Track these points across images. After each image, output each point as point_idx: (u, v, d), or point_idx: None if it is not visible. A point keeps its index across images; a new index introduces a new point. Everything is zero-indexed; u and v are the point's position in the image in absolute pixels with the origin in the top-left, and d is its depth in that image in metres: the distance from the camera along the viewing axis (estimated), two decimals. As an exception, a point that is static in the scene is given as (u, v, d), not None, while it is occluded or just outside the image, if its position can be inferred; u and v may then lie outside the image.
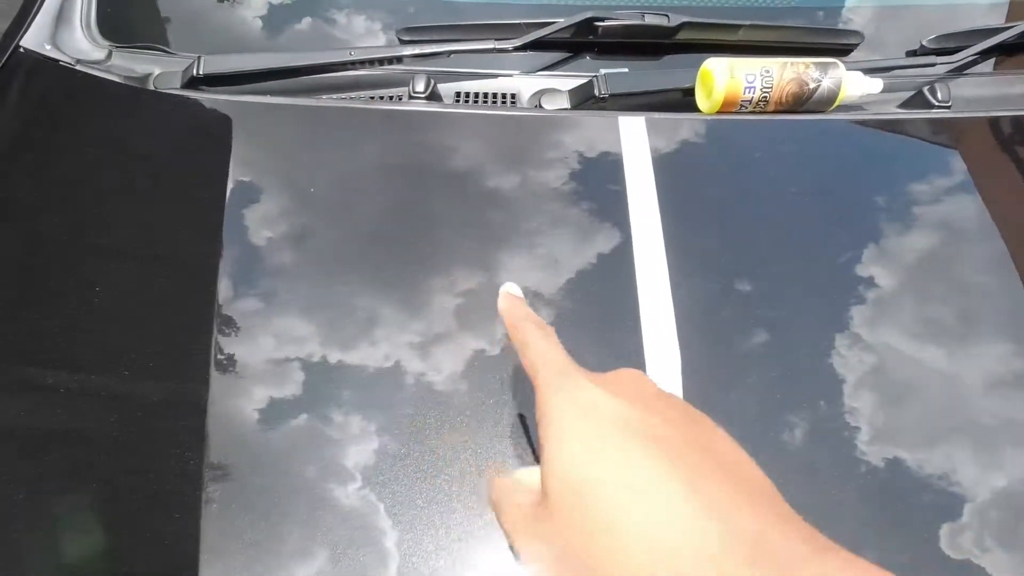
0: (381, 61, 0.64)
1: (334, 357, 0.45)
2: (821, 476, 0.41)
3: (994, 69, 0.68)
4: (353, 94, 0.63)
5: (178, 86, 0.62)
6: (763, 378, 0.44)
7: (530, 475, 0.29)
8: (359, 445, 0.41)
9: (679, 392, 0.43)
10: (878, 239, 0.52)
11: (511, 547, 0.29)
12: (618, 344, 0.45)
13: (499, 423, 0.42)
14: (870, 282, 0.50)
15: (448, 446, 0.41)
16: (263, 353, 0.45)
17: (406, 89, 0.61)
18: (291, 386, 0.44)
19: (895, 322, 0.48)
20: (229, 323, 0.47)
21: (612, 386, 0.28)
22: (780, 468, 0.40)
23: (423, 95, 0.60)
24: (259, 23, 0.69)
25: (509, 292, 0.36)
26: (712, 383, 0.44)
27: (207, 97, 0.60)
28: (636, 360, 0.44)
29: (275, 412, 0.43)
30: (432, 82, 0.61)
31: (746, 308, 0.47)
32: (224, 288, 0.48)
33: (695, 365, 0.44)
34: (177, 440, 0.41)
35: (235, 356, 0.45)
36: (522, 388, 0.43)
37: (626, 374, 0.30)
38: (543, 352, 0.30)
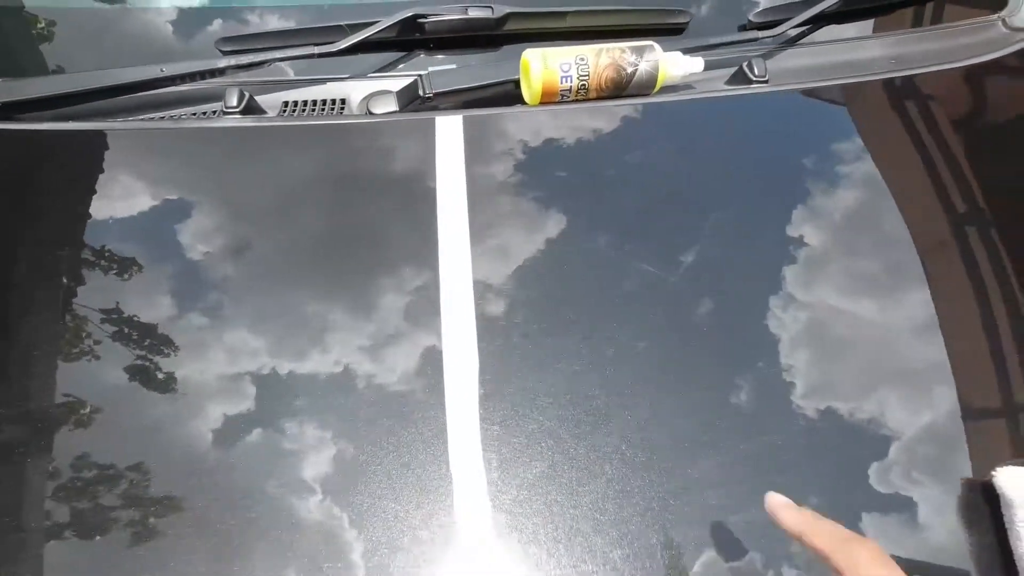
0: (195, 76, 0.61)
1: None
2: (765, 430, 0.44)
3: (819, 38, 0.69)
4: (166, 113, 0.60)
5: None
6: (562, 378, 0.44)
7: None
8: (317, 455, 0.41)
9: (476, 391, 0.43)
10: (701, 218, 0.53)
11: None
12: (418, 344, 0.45)
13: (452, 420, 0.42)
14: (696, 267, 0.50)
15: (408, 448, 0.41)
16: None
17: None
18: (241, 401, 0.43)
19: (730, 307, 0.49)
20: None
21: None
22: (725, 426, 0.43)
23: (236, 109, 0.57)
24: (66, 41, 0.65)
25: (778, 501, 0.35)
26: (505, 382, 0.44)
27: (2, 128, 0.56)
28: (435, 360, 0.44)
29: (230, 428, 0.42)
30: (246, 95, 0.58)
31: (549, 309, 0.47)
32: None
33: (493, 370, 0.44)
34: (123, 469, 0.41)
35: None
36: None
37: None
38: (828, 526, 0.32)
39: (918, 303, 0.50)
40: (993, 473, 0.40)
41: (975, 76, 0.66)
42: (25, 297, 0.48)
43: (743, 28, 0.69)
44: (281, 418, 0.43)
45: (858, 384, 0.46)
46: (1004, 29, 0.71)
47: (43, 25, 0.65)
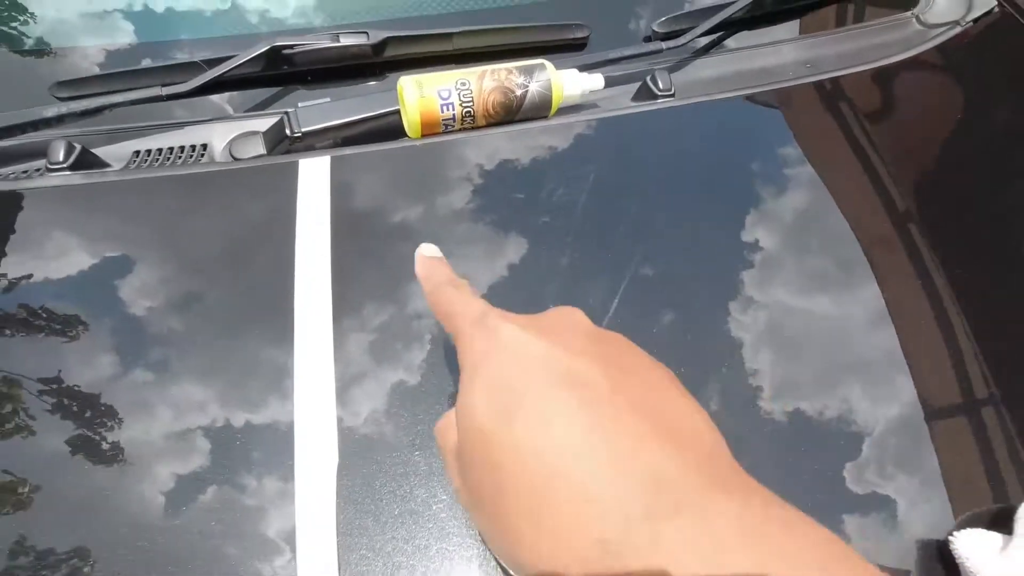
0: (24, 128, 0.53)
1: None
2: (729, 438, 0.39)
3: (729, 46, 0.65)
4: (-11, 173, 0.52)
5: None
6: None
7: None
8: (279, 509, 0.35)
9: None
10: (618, 252, 0.47)
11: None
12: (270, 423, 0.37)
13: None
14: (626, 302, 0.44)
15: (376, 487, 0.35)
16: None
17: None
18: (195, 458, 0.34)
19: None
20: None
21: (541, 325, 0.25)
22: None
23: (63, 165, 0.49)
24: None
25: (427, 255, 0.32)
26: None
27: None
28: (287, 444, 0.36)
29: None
30: (76, 148, 0.50)
31: (418, 367, 0.40)
32: None
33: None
34: (64, 552, 0.34)
35: None
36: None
37: (559, 313, 0.27)
38: (466, 305, 0.28)
39: (855, 301, 0.45)
40: (951, 537, 0.34)
41: (893, 75, 0.62)
42: None
43: (647, 39, 0.64)
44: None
45: (817, 380, 0.42)
46: (918, 26, 0.68)
47: None
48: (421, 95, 0.50)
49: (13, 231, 0.47)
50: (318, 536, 0.34)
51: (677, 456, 0.21)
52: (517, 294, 0.44)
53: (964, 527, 0.34)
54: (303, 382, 0.38)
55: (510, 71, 0.52)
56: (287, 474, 0.36)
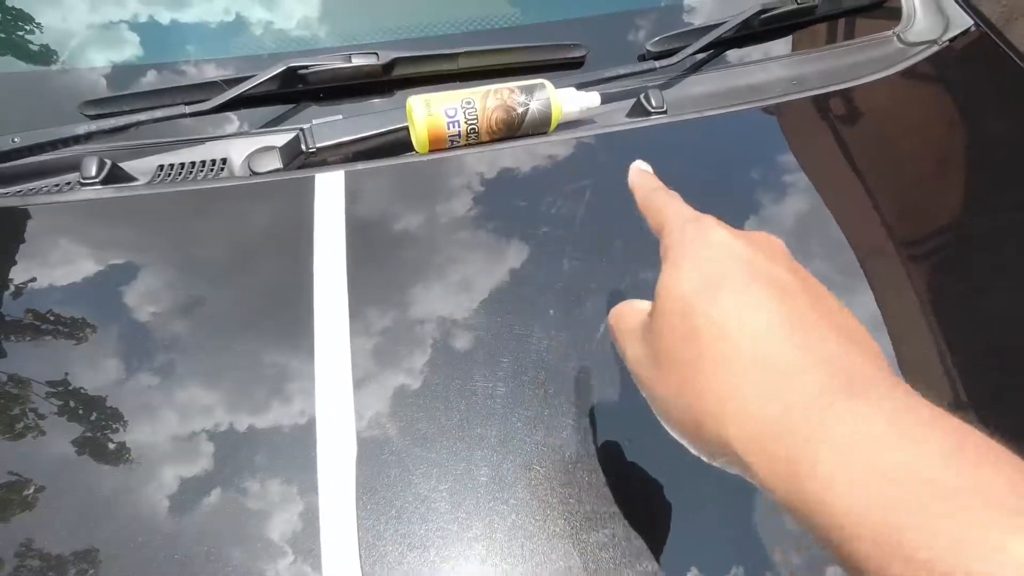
0: (56, 144, 0.56)
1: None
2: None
3: (718, 64, 0.68)
4: (22, 187, 0.55)
5: None
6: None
7: (645, 303, 0.30)
8: (260, 512, 0.37)
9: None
10: (608, 260, 0.50)
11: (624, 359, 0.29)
12: (292, 424, 0.40)
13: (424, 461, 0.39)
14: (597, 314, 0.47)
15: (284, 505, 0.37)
16: None
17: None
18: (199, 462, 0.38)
19: None
20: None
21: (746, 236, 0.28)
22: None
23: (97, 180, 0.53)
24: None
25: (640, 167, 0.37)
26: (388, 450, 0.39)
27: None
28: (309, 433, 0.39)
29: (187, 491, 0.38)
30: (107, 163, 0.53)
31: (433, 374, 0.43)
32: None
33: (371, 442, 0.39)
34: (71, 555, 0.36)
35: None
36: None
37: (764, 236, 0.29)
38: (678, 207, 0.31)
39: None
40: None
41: (875, 92, 0.66)
42: None
43: (641, 58, 0.67)
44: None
45: None
46: (899, 44, 0.72)
47: None
48: (429, 113, 0.53)
49: (52, 241, 0.50)
50: (340, 532, 0.37)
51: (853, 351, 0.23)
52: (518, 298, 0.47)
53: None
54: (323, 384, 0.42)
55: (512, 90, 0.56)
56: (310, 472, 0.39)
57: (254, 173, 0.57)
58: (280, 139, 0.59)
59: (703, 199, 0.55)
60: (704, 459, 0.25)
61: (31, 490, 0.38)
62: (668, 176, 0.57)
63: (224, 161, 0.59)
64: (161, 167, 0.58)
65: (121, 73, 0.63)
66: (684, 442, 0.26)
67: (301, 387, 0.42)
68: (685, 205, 0.31)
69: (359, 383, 0.42)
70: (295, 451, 0.40)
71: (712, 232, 0.28)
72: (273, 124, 0.61)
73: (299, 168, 0.56)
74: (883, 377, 0.22)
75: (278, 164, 0.57)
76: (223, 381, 0.43)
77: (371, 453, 0.39)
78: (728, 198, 0.56)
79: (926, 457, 0.19)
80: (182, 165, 0.58)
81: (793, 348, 0.23)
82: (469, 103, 0.54)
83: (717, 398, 0.24)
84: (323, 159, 0.57)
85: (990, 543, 0.17)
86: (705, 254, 0.27)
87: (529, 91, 0.56)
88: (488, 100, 0.54)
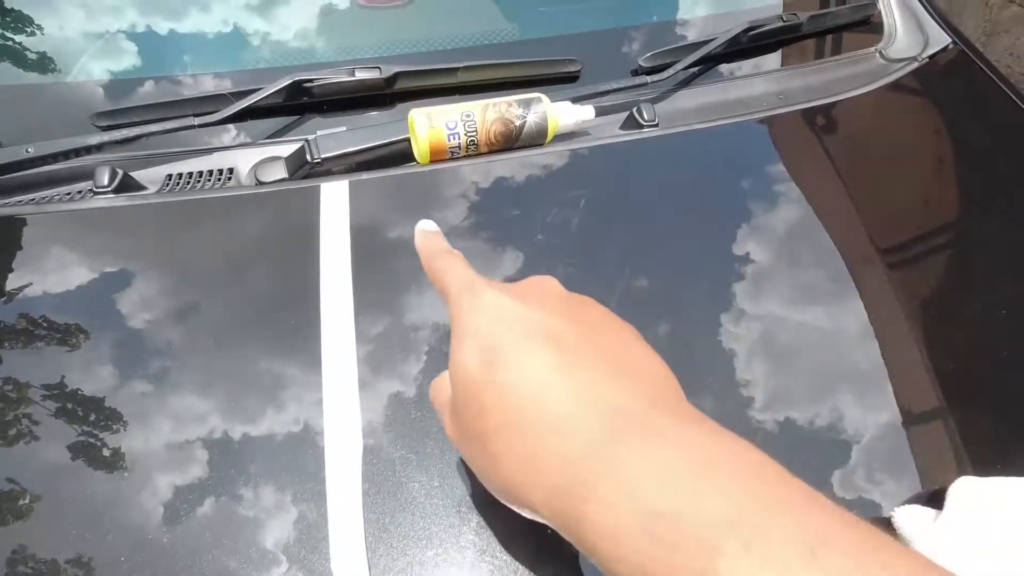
0: (68, 154, 0.58)
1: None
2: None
3: (708, 79, 0.71)
4: (36, 195, 0.57)
5: None
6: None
7: None
8: (277, 521, 0.38)
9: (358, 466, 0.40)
10: (603, 268, 0.52)
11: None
12: (299, 430, 0.42)
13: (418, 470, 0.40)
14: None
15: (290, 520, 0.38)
16: None
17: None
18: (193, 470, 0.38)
19: None
20: None
21: (519, 291, 0.29)
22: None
23: (108, 188, 0.55)
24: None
25: (425, 229, 0.37)
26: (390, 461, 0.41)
27: None
28: (317, 447, 0.41)
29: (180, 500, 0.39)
30: (119, 172, 0.55)
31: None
32: None
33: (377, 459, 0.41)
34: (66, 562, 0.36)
35: None
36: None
37: (535, 281, 0.31)
38: (456, 274, 0.31)
39: (827, 316, 0.50)
40: (893, 512, 0.39)
41: (858, 106, 0.68)
42: None
43: (634, 73, 0.70)
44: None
45: (806, 391, 0.46)
46: (881, 60, 0.75)
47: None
48: (430, 126, 0.55)
49: (66, 249, 0.52)
50: (348, 535, 0.38)
51: (633, 389, 0.24)
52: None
53: (907, 504, 0.39)
54: (330, 389, 0.43)
55: (510, 104, 0.58)
56: (318, 476, 0.40)
57: (260, 183, 0.59)
58: (285, 150, 0.61)
59: (693, 209, 0.58)
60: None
61: (27, 499, 0.39)
62: (660, 187, 0.60)
63: (231, 171, 0.61)
64: (170, 176, 0.60)
65: (131, 85, 0.65)
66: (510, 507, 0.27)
67: (308, 393, 0.43)
68: (465, 269, 0.32)
69: (365, 388, 0.44)
70: (303, 456, 0.41)
71: (481, 298, 0.29)
72: (278, 135, 0.63)
73: (304, 178, 0.58)
74: (654, 413, 0.23)
75: (284, 174, 0.59)
76: (231, 388, 0.45)
77: (378, 456, 0.41)
78: (717, 208, 0.58)
79: (669, 491, 0.20)
80: (190, 174, 0.60)
81: (567, 402, 0.24)
82: (469, 116, 0.56)
83: (512, 468, 0.25)
84: (327, 169, 0.59)
85: (707, 572, 0.18)
86: (477, 324, 0.28)
87: (526, 104, 0.58)
88: (487, 113, 0.57)
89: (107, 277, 0.51)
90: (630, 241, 0.54)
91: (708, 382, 0.45)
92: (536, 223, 0.55)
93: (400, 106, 0.65)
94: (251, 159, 0.61)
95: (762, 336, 0.48)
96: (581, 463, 0.22)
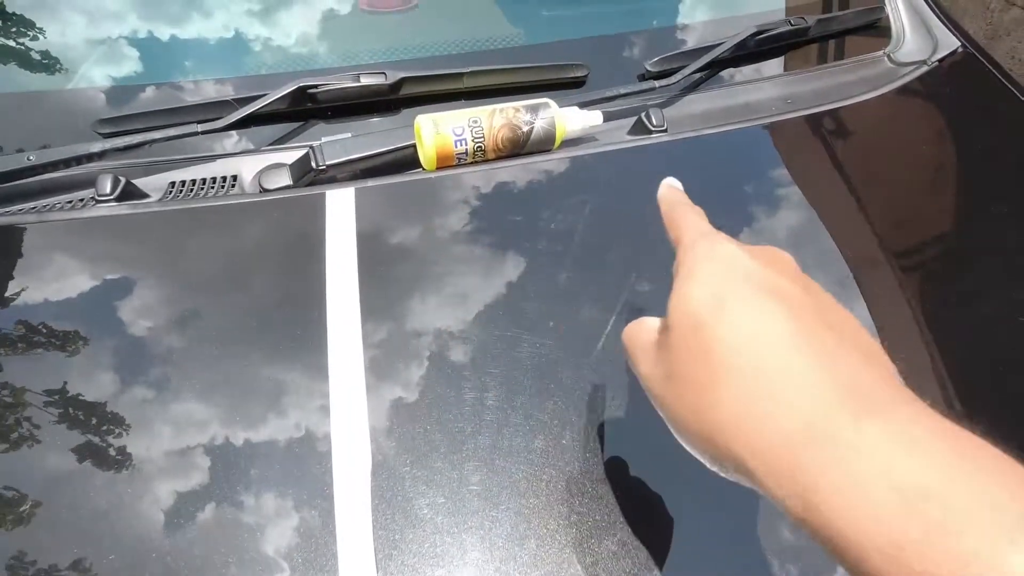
0: (69, 162, 0.57)
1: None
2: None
3: (715, 83, 0.70)
4: (39, 203, 0.56)
5: None
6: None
7: (657, 320, 0.31)
8: (284, 532, 0.38)
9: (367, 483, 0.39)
10: (611, 274, 0.52)
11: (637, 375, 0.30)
12: (307, 436, 0.41)
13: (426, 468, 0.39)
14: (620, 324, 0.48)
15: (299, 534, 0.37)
16: None
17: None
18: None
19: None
20: None
21: (754, 251, 0.29)
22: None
23: (111, 196, 0.54)
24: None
25: (670, 183, 0.38)
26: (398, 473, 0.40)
27: None
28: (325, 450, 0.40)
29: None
30: (121, 180, 0.55)
31: (445, 387, 0.44)
32: None
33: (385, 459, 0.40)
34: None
35: None
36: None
37: (772, 250, 0.30)
38: (694, 222, 0.32)
39: None
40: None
41: (866, 111, 0.68)
42: None
43: (641, 78, 0.69)
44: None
45: None
46: (889, 64, 0.74)
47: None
48: (437, 132, 0.55)
49: (67, 257, 0.51)
50: (356, 543, 0.37)
51: (869, 369, 0.24)
52: (525, 311, 0.49)
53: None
54: (337, 396, 0.43)
55: (517, 109, 0.57)
56: (326, 483, 0.39)
57: (264, 190, 0.58)
58: (289, 156, 0.61)
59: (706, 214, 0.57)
60: (719, 473, 0.26)
61: (28, 506, 0.39)
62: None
63: (235, 178, 0.60)
64: (173, 184, 0.59)
65: (134, 91, 0.64)
66: (698, 455, 0.26)
67: (315, 399, 0.43)
68: (702, 220, 0.32)
69: (372, 394, 0.43)
70: (310, 463, 0.40)
71: (719, 247, 0.28)
72: (282, 142, 0.63)
73: (309, 185, 0.58)
74: (893, 393, 0.23)
75: (288, 181, 0.59)
76: (236, 396, 0.44)
77: (385, 464, 0.40)
78: (726, 213, 0.58)
79: (932, 472, 0.20)
80: (193, 182, 0.60)
81: (804, 363, 0.23)
82: (476, 122, 0.56)
83: (728, 413, 0.24)
84: (332, 176, 0.58)
85: (991, 558, 0.17)
86: (711, 268, 0.27)
87: (534, 110, 0.58)
88: (494, 119, 0.56)
89: (110, 285, 0.50)
90: (638, 246, 0.53)
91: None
92: (543, 229, 0.54)
93: (405, 112, 0.64)
94: (255, 166, 0.61)
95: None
96: (821, 426, 0.22)
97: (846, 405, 0.22)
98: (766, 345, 0.24)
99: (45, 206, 0.56)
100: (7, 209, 0.55)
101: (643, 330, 0.31)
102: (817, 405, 0.22)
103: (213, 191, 0.59)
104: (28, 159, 0.56)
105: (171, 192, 0.58)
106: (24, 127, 0.61)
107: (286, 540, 0.38)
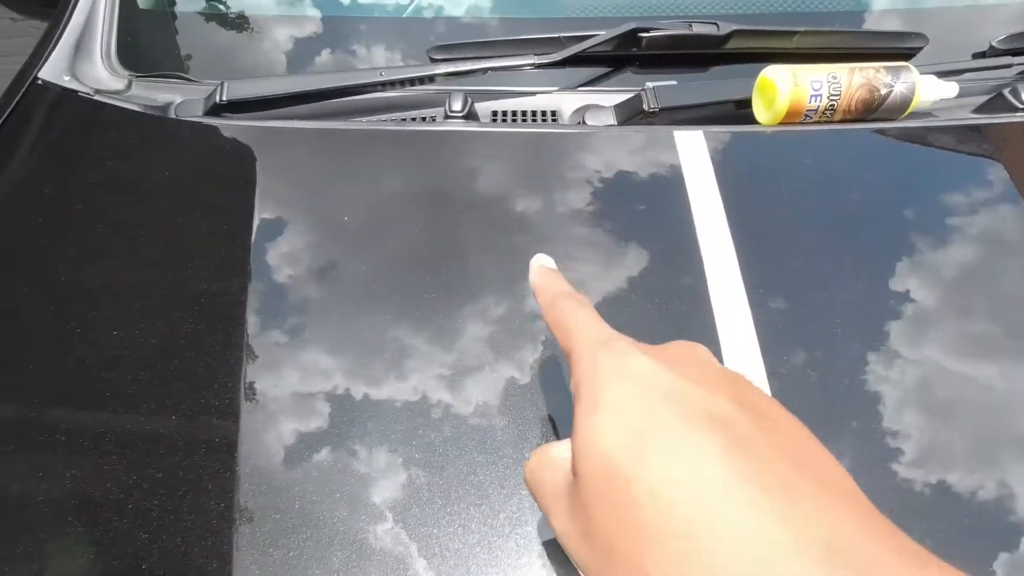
0: (413, 81, 0.60)
1: (364, 390, 0.40)
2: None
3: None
4: (383, 116, 0.60)
5: (200, 114, 0.58)
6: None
7: (566, 451, 0.24)
8: (388, 479, 0.37)
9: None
10: (956, 254, 0.47)
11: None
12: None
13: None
14: (946, 300, 0.44)
15: (480, 479, 0.36)
16: (291, 388, 0.40)
17: (441, 109, 0.58)
18: (318, 420, 0.39)
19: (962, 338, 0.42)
20: (255, 358, 0.43)
21: (666, 356, 0.23)
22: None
23: (460, 114, 0.56)
24: (283, 47, 0.66)
25: (542, 264, 0.31)
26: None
27: (231, 124, 0.57)
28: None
29: (303, 447, 0.38)
30: (470, 100, 0.57)
31: (822, 324, 0.41)
32: (252, 323, 0.44)
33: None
34: (202, 477, 0.37)
35: (262, 391, 0.40)
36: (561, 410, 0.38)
37: (683, 346, 0.25)
38: (583, 324, 0.26)
39: None
40: None
41: None
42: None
43: (981, 55, 0.63)
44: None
45: (977, 456, 0.37)
46: None
47: (267, 35, 0.67)
48: (795, 84, 0.52)
49: (417, 165, 0.53)
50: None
51: (835, 511, 0.18)
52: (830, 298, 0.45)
53: None
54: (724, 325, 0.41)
55: (878, 70, 0.53)
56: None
57: (587, 126, 0.58)
58: (605, 99, 0.61)
59: None
60: None
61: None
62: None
63: (554, 114, 0.61)
64: (495, 113, 0.61)
65: (462, 23, 0.67)
66: None
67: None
68: (596, 321, 0.26)
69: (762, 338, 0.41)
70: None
71: (628, 360, 0.23)
72: (599, 82, 0.63)
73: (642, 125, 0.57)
74: (862, 539, 0.17)
75: (612, 120, 0.59)
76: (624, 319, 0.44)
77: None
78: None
79: None
80: (514, 113, 0.61)
81: (757, 517, 0.17)
82: (835, 78, 0.53)
83: None
84: (662, 120, 0.57)
85: None
86: (623, 393, 0.22)
87: (895, 73, 0.54)
88: (855, 77, 0.53)
89: (449, 191, 0.51)
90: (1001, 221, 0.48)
91: (848, 427, 0.38)
92: (898, 207, 0.50)
93: (728, 67, 0.62)
94: (570, 104, 0.61)
95: (918, 384, 0.40)
96: None
97: (821, 572, 0.16)
98: (705, 496, 0.18)
99: (394, 118, 0.59)
100: (368, 119, 0.59)
101: (549, 469, 0.24)
102: (779, 574, 0.17)
103: (536, 122, 0.60)
104: (380, 74, 0.60)
105: (495, 121, 0.60)
106: (366, 49, 0.66)
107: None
